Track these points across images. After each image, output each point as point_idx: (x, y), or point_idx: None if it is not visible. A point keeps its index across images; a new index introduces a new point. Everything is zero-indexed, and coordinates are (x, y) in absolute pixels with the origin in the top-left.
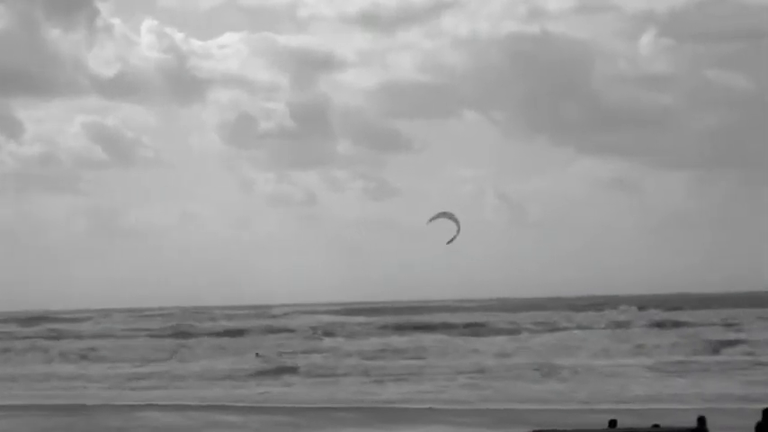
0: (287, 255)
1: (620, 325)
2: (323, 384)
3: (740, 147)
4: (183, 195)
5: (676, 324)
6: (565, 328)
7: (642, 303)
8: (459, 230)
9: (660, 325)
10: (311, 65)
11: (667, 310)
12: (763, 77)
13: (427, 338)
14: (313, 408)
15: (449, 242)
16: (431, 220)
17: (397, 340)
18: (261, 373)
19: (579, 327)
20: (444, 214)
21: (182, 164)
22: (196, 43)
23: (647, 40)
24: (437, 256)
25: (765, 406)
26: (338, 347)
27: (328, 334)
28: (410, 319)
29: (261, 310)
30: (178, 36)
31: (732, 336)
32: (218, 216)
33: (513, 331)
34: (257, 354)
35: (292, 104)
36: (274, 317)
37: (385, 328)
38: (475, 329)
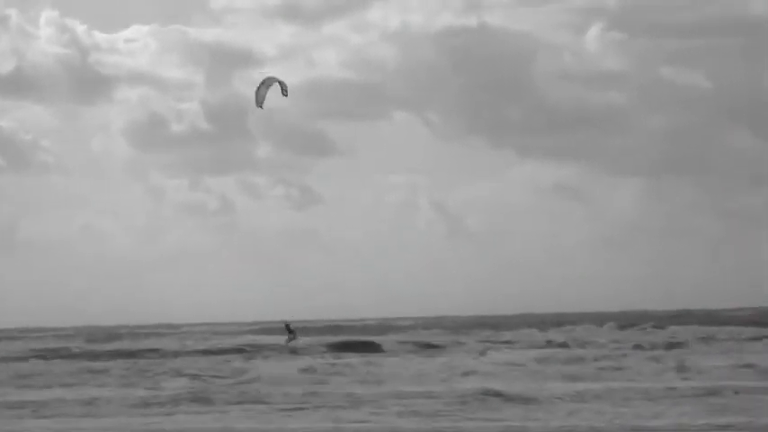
0: (200, 269)
1: (572, 344)
2: (222, 414)
3: (698, 150)
4: (85, 204)
5: (635, 345)
6: (510, 349)
7: (595, 321)
8: (281, 83)
9: (618, 345)
10: (228, 61)
11: (623, 328)
12: (722, 75)
13: (356, 360)
14: None
15: (284, 93)
16: (261, 101)
17: (321, 363)
18: (170, 401)
19: (528, 346)
20: (265, 83)
21: (84, 169)
22: (100, 36)
23: (594, 33)
24: (365, 271)
25: None
26: (251, 370)
27: (247, 356)
28: (336, 338)
29: (171, 329)
30: (80, 28)
31: (694, 358)
32: (124, 227)
33: (452, 352)
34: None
35: (207, 104)
36: (185, 336)
37: (310, 349)
38: (410, 350)
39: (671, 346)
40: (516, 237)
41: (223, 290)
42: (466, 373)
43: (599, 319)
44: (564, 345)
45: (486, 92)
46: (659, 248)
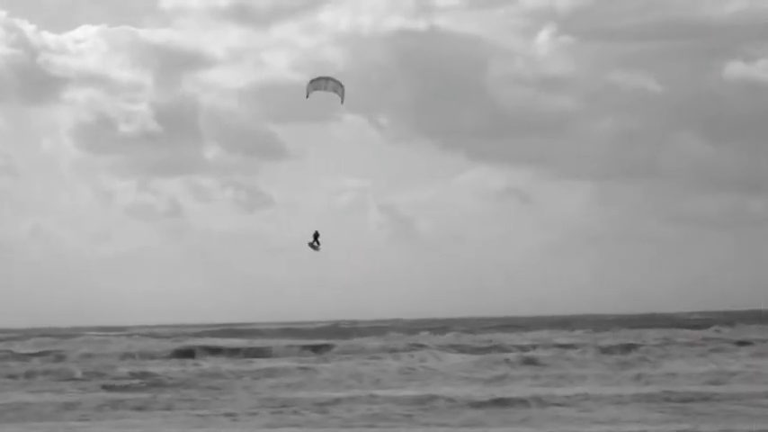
0: (148, 271)
1: (523, 349)
2: (164, 418)
3: (647, 154)
4: (33, 207)
5: (580, 349)
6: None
7: (541, 324)
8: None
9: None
10: (177, 62)
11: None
12: (671, 78)
13: (304, 362)
14: None
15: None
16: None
17: (260, 366)
18: (108, 404)
19: (473, 351)
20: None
21: (32, 171)
22: (49, 37)
23: (545, 38)
24: (314, 273)
25: None
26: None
27: (192, 357)
28: (286, 341)
29: (120, 331)
30: (29, 28)
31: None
32: (73, 229)
33: (398, 356)
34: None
35: (156, 105)
36: (132, 338)
37: (264, 351)
38: (358, 353)
39: (627, 348)
40: (465, 240)
41: (171, 291)
42: (411, 377)
43: (546, 322)
44: (507, 349)
45: (437, 95)
46: (607, 252)
